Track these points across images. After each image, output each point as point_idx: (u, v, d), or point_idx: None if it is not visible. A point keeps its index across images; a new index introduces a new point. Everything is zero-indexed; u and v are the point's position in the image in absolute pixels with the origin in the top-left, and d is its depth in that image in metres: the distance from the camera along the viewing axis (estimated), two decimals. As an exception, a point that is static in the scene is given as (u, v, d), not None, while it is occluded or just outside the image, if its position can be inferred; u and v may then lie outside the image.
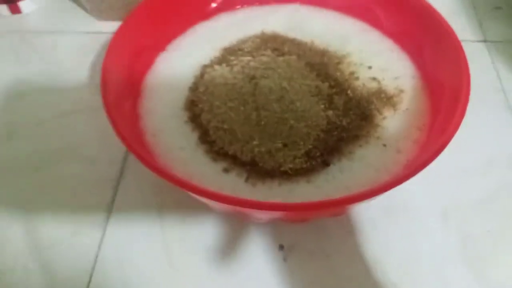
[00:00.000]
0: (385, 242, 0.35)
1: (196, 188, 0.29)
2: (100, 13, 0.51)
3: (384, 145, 0.36)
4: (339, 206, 0.31)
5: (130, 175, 0.39)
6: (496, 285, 0.34)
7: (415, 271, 0.34)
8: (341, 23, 0.45)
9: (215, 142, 0.36)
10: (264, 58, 0.39)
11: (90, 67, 0.47)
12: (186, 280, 0.34)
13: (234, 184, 0.34)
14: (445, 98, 0.36)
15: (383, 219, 0.36)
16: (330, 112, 0.36)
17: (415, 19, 0.41)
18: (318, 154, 0.35)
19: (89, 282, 0.34)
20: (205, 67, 0.41)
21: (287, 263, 0.34)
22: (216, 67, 0.40)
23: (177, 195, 0.37)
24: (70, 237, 0.36)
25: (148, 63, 0.42)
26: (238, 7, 0.47)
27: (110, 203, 0.38)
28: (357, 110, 0.37)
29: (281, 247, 0.35)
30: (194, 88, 0.39)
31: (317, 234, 0.36)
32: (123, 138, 0.31)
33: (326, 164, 0.34)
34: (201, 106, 0.37)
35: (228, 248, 0.35)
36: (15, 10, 0.52)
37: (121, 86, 0.37)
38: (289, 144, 0.34)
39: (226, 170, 0.34)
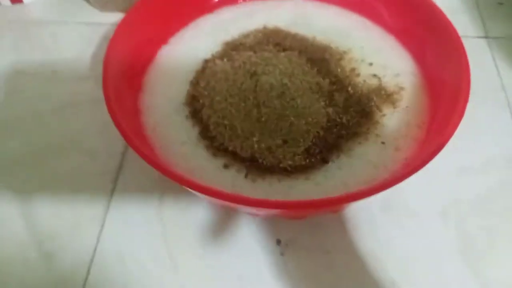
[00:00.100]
0: (383, 239, 0.35)
1: (194, 183, 0.29)
2: (103, 4, 0.50)
3: (383, 143, 0.36)
4: (335, 205, 0.31)
5: (129, 167, 0.39)
6: (494, 283, 0.34)
7: (413, 268, 0.34)
8: (343, 19, 0.45)
9: (215, 138, 0.36)
10: (266, 54, 0.39)
11: (91, 59, 0.47)
12: (185, 274, 0.34)
13: (234, 179, 0.34)
14: (444, 97, 0.36)
15: (382, 216, 0.36)
16: (330, 109, 0.36)
17: (417, 16, 0.41)
18: (317, 151, 0.35)
19: (88, 274, 0.34)
20: (206, 61, 0.41)
21: (284, 258, 0.35)
22: (218, 61, 0.40)
23: (176, 188, 0.37)
24: (70, 229, 0.36)
25: (150, 56, 0.42)
26: (241, 1, 0.47)
27: (109, 196, 0.38)
28: (357, 107, 0.37)
29: (278, 241, 0.35)
30: (195, 82, 0.39)
31: (315, 230, 0.36)
32: (124, 133, 0.31)
33: (325, 161, 0.35)
34: (202, 101, 0.37)
35: (220, 231, 0.35)
36: (16, -1, 0.52)
37: (122, 80, 0.37)
38: (289, 141, 0.35)
39: (226, 166, 0.35)
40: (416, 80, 0.40)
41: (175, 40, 0.43)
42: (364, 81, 0.39)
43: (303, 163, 0.34)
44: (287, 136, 0.35)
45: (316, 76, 0.38)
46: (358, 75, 0.40)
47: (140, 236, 0.36)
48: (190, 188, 0.29)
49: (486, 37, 0.50)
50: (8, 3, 0.52)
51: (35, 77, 0.46)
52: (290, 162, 0.34)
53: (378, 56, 0.41)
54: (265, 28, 0.44)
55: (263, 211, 0.32)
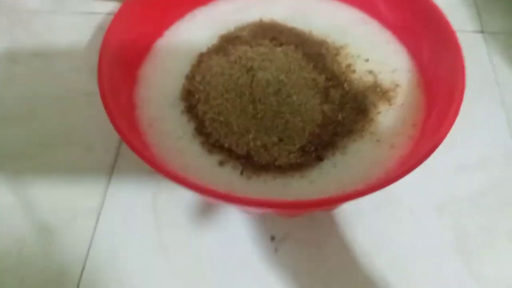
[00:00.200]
0: (377, 235, 0.36)
1: (187, 182, 0.29)
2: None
3: (378, 140, 0.36)
4: (329, 205, 0.31)
5: (124, 161, 0.39)
6: (490, 280, 0.34)
7: (408, 265, 0.35)
8: (341, 13, 0.44)
9: (211, 134, 0.36)
10: (262, 49, 0.39)
11: (86, 49, 0.46)
12: (179, 269, 0.35)
13: (229, 177, 0.34)
14: (440, 95, 0.36)
15: (376, 213, 0.37)
16: (326, 106, 0.36)
17: (414, 12, 0.40)
18: (312, 149, 0.35)
19: (83, 267, 0.35)
20: (202, 55, 0.41)
21: (278, 254, 0.35)
22: (213, 56, 0.40)
23: (171, 183, 0.37)
24: (65, 223, 0.37)
25: (145, 49, 0.41)
26: (237, -7, 0.46)
27: (104, 189, 0.38)
28: (353, 104, 0.37)
29: (272, 238, 0.36)
30: (190, 76, 0.39)
31: (309, 226, 0.36)
32: (118, 129, 0.31)
33: (320, 159, 0.35)
34: (197, 96, 0.37)
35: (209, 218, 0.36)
36: (9, -13, 0.51)
37: (117, 72, 0.37)
38: (285, 138, 0.35)
39: (221, 163, 0.35)
40: (412, 76, 0.40)
41: (171, 33, 0.43)
42: (360, 77, 0.39)
43: (298, 161, 0.34)
44: (283, 134, 0.35)
45: (312, 72, 0.38)
46: (354, 71, 0.39)
47: (136, 230, 0.36)
48: (183, 186, 0.29)
49: (482, 31, 0.50)
50: (1, -9, 0.51)
51: (29, 67, 0.45)
52: (285, 160, 0.34)
53: (374, 52, 0.41)
54: (261, 21, 0.43)
55: (257, 210, 0.32)
